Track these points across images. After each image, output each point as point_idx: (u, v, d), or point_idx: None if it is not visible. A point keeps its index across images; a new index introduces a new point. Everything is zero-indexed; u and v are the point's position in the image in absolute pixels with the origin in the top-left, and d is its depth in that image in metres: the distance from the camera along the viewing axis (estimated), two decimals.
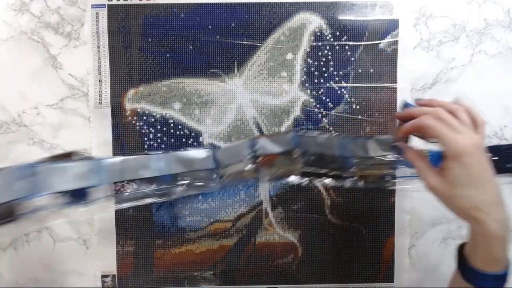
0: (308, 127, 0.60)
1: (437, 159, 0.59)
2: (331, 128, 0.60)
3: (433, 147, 0.59)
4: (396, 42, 0.59)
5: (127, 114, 0.60)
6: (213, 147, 0.57)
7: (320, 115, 0.60)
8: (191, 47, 0.59)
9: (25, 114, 0.59)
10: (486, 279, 0.39)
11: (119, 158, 0.47)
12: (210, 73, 0.59)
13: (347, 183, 0.60)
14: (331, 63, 0.59)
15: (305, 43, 0.59)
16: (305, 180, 0.59)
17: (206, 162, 0.52)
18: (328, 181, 0.59)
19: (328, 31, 0.59)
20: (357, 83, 0.60)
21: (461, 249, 0.42)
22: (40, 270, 0.61)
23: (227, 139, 0.60)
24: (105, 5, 0.58)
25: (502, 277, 0.39)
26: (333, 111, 0.60)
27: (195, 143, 0.60)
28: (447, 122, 0.40)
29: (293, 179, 0.60)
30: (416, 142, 0.59)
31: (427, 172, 0.43)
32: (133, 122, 0.60)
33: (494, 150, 0.60)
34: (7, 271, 0.61)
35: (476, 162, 0.39)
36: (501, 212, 0.39)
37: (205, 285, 0.62)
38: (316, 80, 0.60)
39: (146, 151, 0.59)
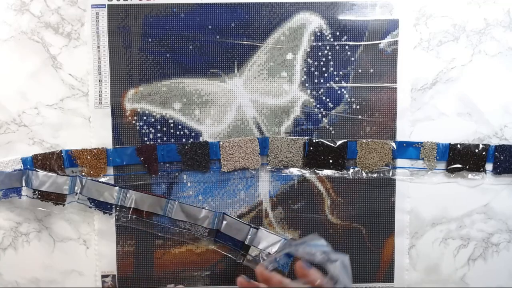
0: (308, 127, 0.60)
1: (445, 151, 0.59)
2: (331, 128, 0.60)
3: (440, 139, 0.60)
4: (396, 42, 0.59)
5: (127, 114, 0.60)
6: (217, 212, 0.60)
7: (320, 115, 0.60)
8: (191, 47, 0.59)
9: (25, 114, 0.59)
10: None
11: (140, 194, 0.60)
12: (210, 73, 0.59)
13: (351, 174, 0.60)
14: (331, 63, 0.59)
15: (305, 43, 0.59)
16: (307, 171, 0.60)
17: (204, 220, 0.59)
18: (330, 171, 0.60)
19: (328, 31, 0.59)
20: (357, 83, 0.60)
21: None
22: (40, 270, 0.61)
23: (227, 139, 0.60)
24: (105, 5, 0.58)
25: None
26: (333, 111, 0.60)
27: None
28: None
29: (294, 170, 0.60)
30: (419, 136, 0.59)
31: None
32: (133, 122, 0.60)
33: (500, 150, 0.60)
34: (7, 271, 0.61)
35: None
36: None
37: (205, 285, 0.62)
38: (316, 80, 0.60)
39: None
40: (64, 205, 0.59)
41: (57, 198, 0.58)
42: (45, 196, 0.58)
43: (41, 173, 0.57)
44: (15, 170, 0.58)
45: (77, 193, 0.58)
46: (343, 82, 0.60)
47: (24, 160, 0.58)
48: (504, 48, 0.60)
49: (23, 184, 0.58)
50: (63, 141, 0.60)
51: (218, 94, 0.60)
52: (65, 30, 0.59)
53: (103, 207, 0.59)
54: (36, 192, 0.58)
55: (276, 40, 0.59)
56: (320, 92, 0.60)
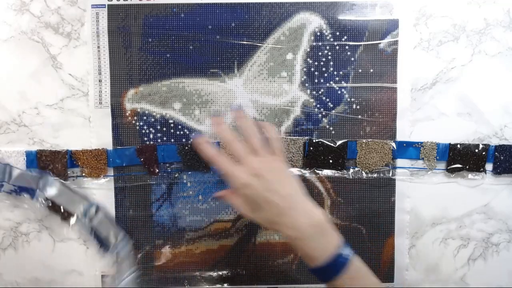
0: (308, 127, 0.60)
1: (445, 151, 0.59)
2: (331, 128, 0.60)
3: (440, 139, 0.60)
4: (396, 42, 0.59)
5: (127, 114, 0.60)
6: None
7: (320, 115, 0.60)
8: (191, 47, 0.59)
9: (25, 114, 0.59)
10: (314, 272, 0.42)
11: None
12: (210, 73, 0.59)
13: (351, 174, 0.60)
14: (331, 63, 0.59)
15: (305, 43, 0.59)
16: (307, 171, 0.60)
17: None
18: (330, 171, 0.60)
19: (328, 31, 0.59)
20: (357, 83, 0.60)
21: None
22: (40, 270, 0.61)
23: None
24: (105, 5, 0.58)
25: (323, 269, 0.41)
26: (333, 111, 0.60)
27: None
28: (231, 151, 0.45)
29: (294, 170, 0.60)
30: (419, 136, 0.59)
31: (231, 198, 0.46)
32: (133, 122, 0.60)
33: (500, 150, 0.60)
34: (7, 271, 0.61)
35: (254, 189, 0.43)
36: (293, 218, 0.42)
37: (205, 285, 0.62)
38: (316, 80, 0.60)
39: None
40: (69, 225, 0.59)
41: (65, 217, 0.58)
42: (55, 208, 0.58)
43: (58, 183, 0.58)
44: (33, 172, 0.58)
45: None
46: (343, 82, 0.60)
47: (28, 154, 0.58)
48: (504, 48, 0.60)
49: (40, 187, 0.57)
50: (63, 141, 0.60)
51: (218, 94, 0.60)
52: (65, 30, 0.59)
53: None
54: (49, 200, 0.57)
55: (276, 40, 0.59)
56: (320, 92, 0.60)
